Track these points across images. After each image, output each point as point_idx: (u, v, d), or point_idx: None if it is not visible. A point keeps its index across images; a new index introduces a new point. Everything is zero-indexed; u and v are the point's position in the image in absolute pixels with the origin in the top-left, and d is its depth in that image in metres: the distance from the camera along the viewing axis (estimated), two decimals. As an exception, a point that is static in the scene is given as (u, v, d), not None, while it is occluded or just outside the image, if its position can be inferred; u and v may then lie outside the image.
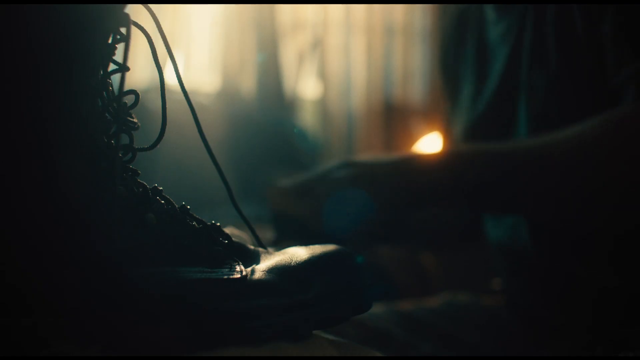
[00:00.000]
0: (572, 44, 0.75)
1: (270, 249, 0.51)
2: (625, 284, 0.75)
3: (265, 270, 0.45)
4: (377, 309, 0.87)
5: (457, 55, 1.00)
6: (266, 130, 2.09)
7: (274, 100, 2.24)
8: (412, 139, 2.30)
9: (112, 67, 0.47)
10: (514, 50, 0.84)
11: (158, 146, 0.51)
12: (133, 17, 0.48)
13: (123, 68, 0.47)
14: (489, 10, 0.90)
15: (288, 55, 2.29)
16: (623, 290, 0.75)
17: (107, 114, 0.46)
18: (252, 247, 0.50)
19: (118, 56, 0.47)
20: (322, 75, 2.34)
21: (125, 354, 0.40)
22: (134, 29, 0.47)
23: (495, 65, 0.88)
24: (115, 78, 0.47)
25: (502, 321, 0.88)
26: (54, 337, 0.41)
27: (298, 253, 0.47)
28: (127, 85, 0.48)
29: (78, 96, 0.44)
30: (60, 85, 0.43)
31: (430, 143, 2.12)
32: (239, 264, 0.46)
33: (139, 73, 1.98)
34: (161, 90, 0.50)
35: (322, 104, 2.36)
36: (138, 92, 0.48)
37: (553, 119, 0.76)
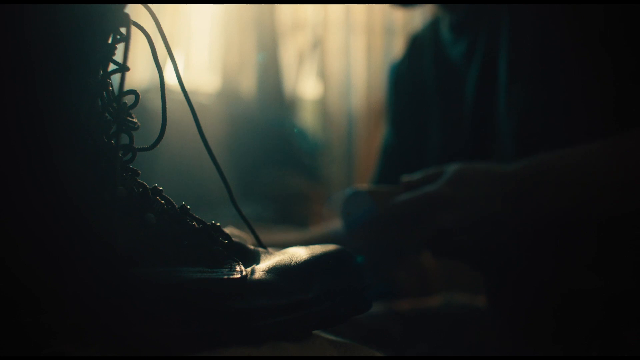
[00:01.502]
0: (556, 58, 0.75)
1: (270, 249, 0.51)
2: (606, 285, 0.75)
3: (265, 270, 0.45)
4: (376, 309, 0.87)
5: (415, 82, 1.01)
6: (266, 130, 2.09)
7: (274, 100, 2.24)
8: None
9: (112, 67, 0.47)
10: (485, 69, 0.84)
11: (158, 146, 0.51)
12: (133, 17, 0.48)
13: (123, 68, 0.47)
14: (444, 32, 0.91)
15: (288, 55, 2.29)
16: (604, 292, 0.75)
17: (107, 114, 0.46)
18: (252, 247, 0.50)
19: (118, 56, 0.47)
20: (322, 75, 2.34)
21: (125, 354, 0.41)
22: (134, 29, 0.47)
23: (466, 87, 0.88)
24: (115, 78, 0.47)
25: (501, 321, 0.88)
26: (54, 337, 0.41)
27: (298, 253, 0.47)
28: (127, 85, 0.48)
29: (78, 96, 0.44)
30: (60, 85, 0.43)
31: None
32: (239, 264, 0.46)
33: (139, 73, 1.98)
34: (161, 90, 0.50)
35: (322, 104, 2.36)
36: (138, 92, 0.48)
37: (538, 136, 0.77)
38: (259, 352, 0.42)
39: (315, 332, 0.47)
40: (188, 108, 0.53)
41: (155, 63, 0.50)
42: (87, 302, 0.41)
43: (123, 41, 0.46)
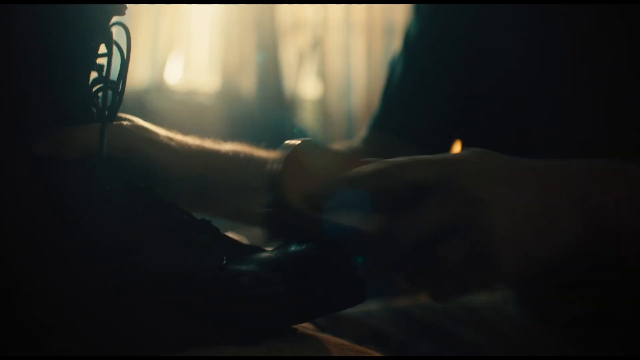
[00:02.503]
0: None
1: (264, 246, 0.51)
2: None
3: (257, 264, 0.45)
4: (373, 306, 0.86)
5: None
6: (266, 130, 2.09)
7: (274, 100, 2.24)
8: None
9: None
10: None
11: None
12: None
13: (106, 81, 0.47)
14: None
15: (288, 55, 2.29)
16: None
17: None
18: (246, 242, 0.50)
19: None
20: (322, 75, 2.34)
21: (125, 354, 0.41)
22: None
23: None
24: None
25: (502, 319, 0.88)
26: (54, 337, 0.41)
27: (292, 248, 0.47)
28: (127, 85, 0.49)
29: (69, 97, 0.45)
30: (51, 83, 0.44)
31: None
32: (225, 256, 0.46)
33: (139, 73, 1.98)
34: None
35: (322, 104, 2.36)
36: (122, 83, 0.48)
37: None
38: (259, 352, 0.42)
39: (314, 331, 0.47)
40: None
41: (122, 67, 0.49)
42: (85, 303, 0.41)
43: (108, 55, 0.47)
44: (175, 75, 2.11)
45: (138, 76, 1.99)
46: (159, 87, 2.02)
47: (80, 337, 0.41)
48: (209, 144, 0.64)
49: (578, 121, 0.75)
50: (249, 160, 0.70)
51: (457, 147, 0.89)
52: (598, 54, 0.74)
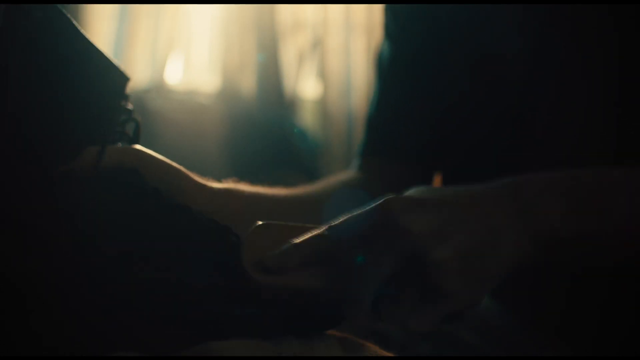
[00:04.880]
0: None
1: None
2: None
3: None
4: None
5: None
6: (266, 130, 2.09)
7: (274, 100, 2.24)
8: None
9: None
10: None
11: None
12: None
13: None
14: None
15: (288, 55, 2.29)
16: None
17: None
18: None
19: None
20: (322, 75, 2.34)
21: (125, 354, 0.41)
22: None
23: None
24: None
25: (501, 319, 0.88)
26: (54, 337, 0.41)
27: None
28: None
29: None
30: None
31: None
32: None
33: (139, 73, 1.98)
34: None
35: (322, 104, 2.36)
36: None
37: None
38: (262, 352, 0.42)
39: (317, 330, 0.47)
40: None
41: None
42: (86, 303, 0.41)
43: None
44: (175, 75, 2.12)
45: (138, 76, 1.99)
46: (159, 87, 2.02)
47: (80, 337, 0.41)
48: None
49: (571, 132, 0.74)
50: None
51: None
52: (598, 58, 0.73)
